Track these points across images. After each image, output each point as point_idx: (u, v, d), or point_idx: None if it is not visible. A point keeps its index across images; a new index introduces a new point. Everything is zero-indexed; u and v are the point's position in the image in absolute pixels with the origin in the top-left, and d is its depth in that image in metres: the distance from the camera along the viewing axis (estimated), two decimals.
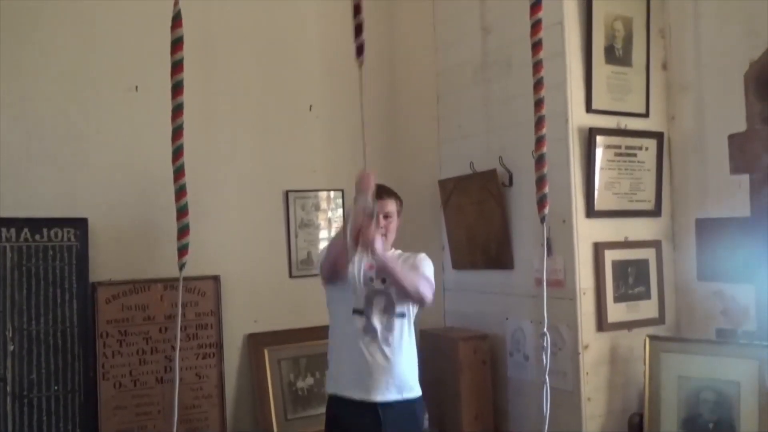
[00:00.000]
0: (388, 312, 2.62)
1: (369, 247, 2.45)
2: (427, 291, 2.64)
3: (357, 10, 2.25)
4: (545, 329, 1.99)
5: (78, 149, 3.11)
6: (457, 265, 3.83)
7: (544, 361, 1.95)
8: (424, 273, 2.70)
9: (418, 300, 2.64)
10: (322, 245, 3.63)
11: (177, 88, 2.19)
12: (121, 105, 3.20)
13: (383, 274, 2.59)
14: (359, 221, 2.42)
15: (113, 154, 3.18)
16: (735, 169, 3.00)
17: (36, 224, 2.93)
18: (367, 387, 2.56)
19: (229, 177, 3.44)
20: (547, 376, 1.94)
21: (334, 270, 2.60)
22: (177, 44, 2.20)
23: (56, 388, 2.89)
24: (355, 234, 2.46)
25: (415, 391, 2.68)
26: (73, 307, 2.97)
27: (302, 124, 3.67)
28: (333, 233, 3.69)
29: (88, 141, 3.13)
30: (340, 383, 2.63)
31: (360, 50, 2.27)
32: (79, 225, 3.01)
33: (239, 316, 3.40)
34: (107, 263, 3.10)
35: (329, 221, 3.67)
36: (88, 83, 3.14)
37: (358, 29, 2.26)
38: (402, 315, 2.64)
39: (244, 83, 3.52)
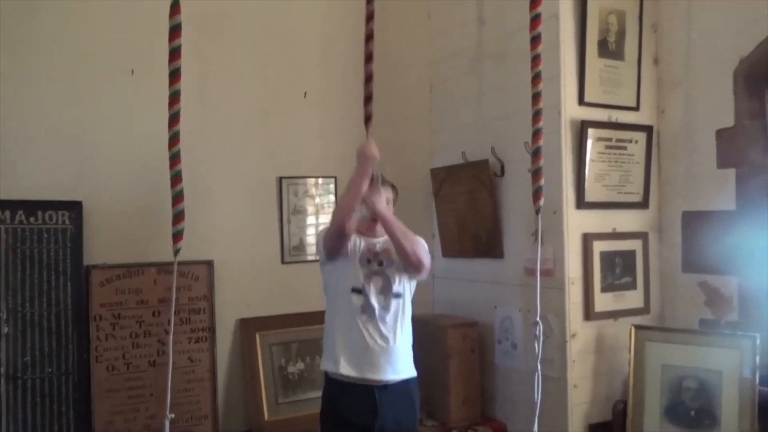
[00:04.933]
0: (386, 292, 2.66)
1: (372, 205, 2.58)
2: (425, 256, 2.68)
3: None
4: (538, 318, 2.04)
5: (74, 132, 3.11)
6: (448, 253, 3.88)
7: (536, 349, 2.00)
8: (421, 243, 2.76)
9: (416, 263, 2.64)
10: (315, 231, 3.67)
11: (174, 75, 2.21)
12: (118, 88, 3.19)
13: (384, 227, 2.66)
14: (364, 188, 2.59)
15: (109, 137, 3.18)
16: (722, 163, 3.07)
17: (31, 207, 2.93)
18: (364, 365, 2.59)
19: (224, 162, 3.46)
20: (539, 364, 1.99)
21: (340, 235, 2.60)
22: (175, 31, 2.22)
23: (50, 370, 2.91)
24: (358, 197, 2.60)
25: (409, 371, 2.71)
26: (67, 289, 2.98)
27: (297, 110, 3.68)
28: (326, 219, 3.72)
29: (84, 124, 3.13)
30: (337, 361, 2.63)
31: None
32: (74, 208, 3.02)
33: (232, 301, 3.43)
34: (101, 247, 3.12)
35: (322, 208, 3.70)
36: (84, 66, 3.14)
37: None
38: (399, 295, 2.68)
39: (240, 70, 3.53)
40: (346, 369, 2.61)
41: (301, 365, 3.50)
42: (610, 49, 3.22)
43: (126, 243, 3.19)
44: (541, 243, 3.13)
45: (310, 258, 3.61)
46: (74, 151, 3.10)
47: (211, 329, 3.31)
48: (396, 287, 2.69)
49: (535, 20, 2.18)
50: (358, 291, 2.64)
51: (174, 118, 2.20)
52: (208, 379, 3.28)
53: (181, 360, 3.21)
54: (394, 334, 2.64)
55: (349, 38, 3.69)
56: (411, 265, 2.67)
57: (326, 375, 2.71)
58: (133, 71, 3.22)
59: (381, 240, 2.78)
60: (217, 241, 3.39)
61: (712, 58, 3.12)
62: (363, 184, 2.58)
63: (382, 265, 2.69)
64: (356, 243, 2.71)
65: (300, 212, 3.65)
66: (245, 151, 3.53)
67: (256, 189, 3.56)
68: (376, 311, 2.62)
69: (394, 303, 2.67)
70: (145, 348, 3.16)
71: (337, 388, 2.65)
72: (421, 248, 2.69)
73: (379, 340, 2.60)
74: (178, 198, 2.19)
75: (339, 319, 2.68)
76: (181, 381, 3.19)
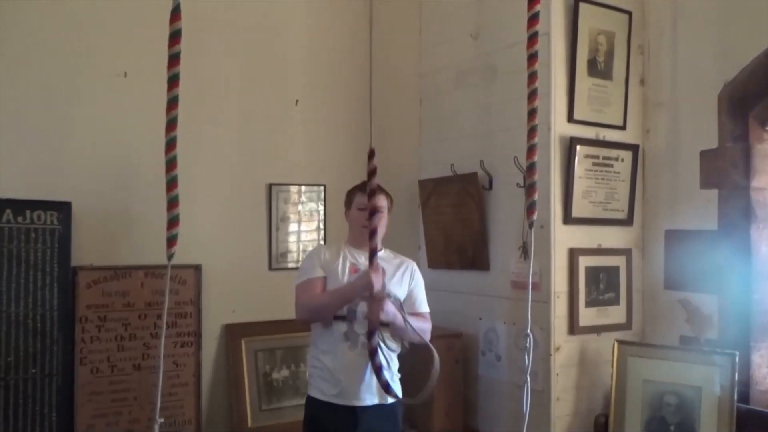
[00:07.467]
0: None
1: (376, 322, 2.48)
2: (428, 335, 2.73)
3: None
4: (529, 330, 2.08)
5: (65, 133, 3.10)
6: (433, 264, 3.91)
7: (526, 361, 2.03)
8: (426, 311, 2.79)
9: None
10: (304, 237, 3.68)
11: (173, 81, 2.21)
12: (110, 90, 3.20)
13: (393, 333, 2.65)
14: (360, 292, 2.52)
15: (100, 139, 3.17)
16: (705, 183, 3.14)
17: (19, 206, 2.92)
18: (346, 392, 2.56)
19: (214, 168, 3.47)
20: (528, 376, 2.02)
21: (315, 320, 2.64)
22: (175, 37, 2.22)
23: (34, 371, 2.89)
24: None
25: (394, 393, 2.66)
26: (54, 290, 2.96)
27: (288, 118, 3.70)
28: (313, 227, 3.74)
29: (76, 125, 3.13)
30: (320, 387, 2.62)
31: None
32: (63, 208, 3.00)
33: (218, 306, 3.43)
34: (89, 248, 3.11)
35: (311, 215, 3.71)
36: (77, 67, 3.14)
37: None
38: (385, 324, 2.59)
39: (232, 77, 3.54)
40: (328, 395, 2.58)
41: (285, 372, 3.51)
42: (599, 69, 3.29)
43: (114, 245, 3.18)
44: (528, 256, 3.18)
45: (297, 265, 3.61)
46: (65, 151, 3.09)
47: (197, 334, 3.31)
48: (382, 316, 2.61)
49: (532, 38, 2.23)
50: (342, 318, 2.57)
51: (171, 124, 2.19)
52: (192, 383, 3.27)
53: (167, 364, 3.19)
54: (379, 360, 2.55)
55: (340, 47, 3.75)
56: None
57: (308, 397, 2.69)
58: (126, 73, 3.22)
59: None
60: (206, 245, 3.39)
61: (697, 81, 3.20)
62: (351, 301, 2.55)
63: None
64: (344, 262, 2.66)
65: (289, 219, 3.66)
66: (235, 157, 3.54)
67: (245, 195, 3.57)
68: (359, 339, 2.55)
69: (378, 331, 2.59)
70: (131, 351, 3.14)
71: (318, 406, 2.62)
72: (428, 330, 2.74)
73: (362, 367, 2.54)
74: (173, 203, 2.17)
75: (322, 344, 2.63)
76: (166, 385, 3.17)
